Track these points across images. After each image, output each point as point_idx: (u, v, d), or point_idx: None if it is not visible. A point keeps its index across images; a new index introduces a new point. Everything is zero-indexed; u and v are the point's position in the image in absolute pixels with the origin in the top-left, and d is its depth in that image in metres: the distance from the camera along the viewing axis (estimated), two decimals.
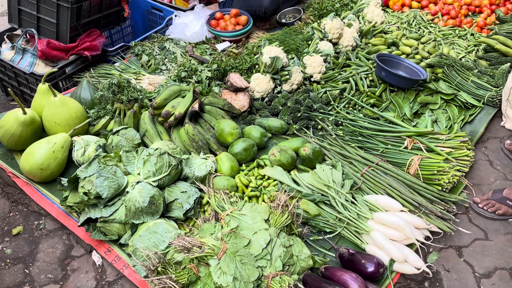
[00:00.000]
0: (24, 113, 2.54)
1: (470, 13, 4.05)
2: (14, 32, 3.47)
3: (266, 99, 3.10)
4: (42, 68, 3.29)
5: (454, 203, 2.39)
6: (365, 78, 3.16)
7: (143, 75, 3.33)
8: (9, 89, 2.53)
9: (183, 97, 2.81)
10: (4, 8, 4.52)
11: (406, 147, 2.56)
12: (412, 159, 2.45)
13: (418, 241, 2.09)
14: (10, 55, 3.34)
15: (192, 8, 4.14)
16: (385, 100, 3.02)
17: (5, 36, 3.41)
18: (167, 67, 3.47)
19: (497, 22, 3.74)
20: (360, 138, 2.70)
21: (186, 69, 3.11)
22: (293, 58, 3.29)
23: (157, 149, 2.27)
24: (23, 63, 3.29)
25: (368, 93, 3.05)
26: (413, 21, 3.86)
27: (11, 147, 2.65)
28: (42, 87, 2.74)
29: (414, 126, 2.81)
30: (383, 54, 3.20)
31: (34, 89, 3.27)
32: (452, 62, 3.15)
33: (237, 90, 2.96)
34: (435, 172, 2.36)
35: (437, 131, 2.66)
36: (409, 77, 3.02)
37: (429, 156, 2.46)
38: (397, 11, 4.12)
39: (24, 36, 3.36)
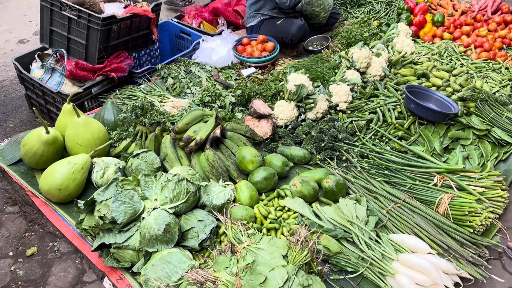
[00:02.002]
0: (47, 132, 2.55)
1: (504, 46, 3.92)
2: (45, 52, 3.55)
3: (290, 126, 3.03)
4: (69, 88, 3.34)
5: (487, 247, 2.23)
6: (393, 109, 3.06)
7: (167, 98, 3.33)
8: (33, 108, 2.55)
9: (206, 122, 2.77)
10: (38, 27, 4.66)
11: (435, 184, 2.43)
12: (441, 198, 2.32)
13: (446, 287, 1.94)
14: (39, 74, 3.40)
15: (220, 33, 4.17)
16: (413, 133, 2.90)
17: (36, 55, 3.49)
18: (191, 90, 3.46)
19: None
20: (386, 172, 2.58)
21: (210, 94, 3.09)
22: (319, 86, 3.23)
23: (175, 175, 2.22)
24: (51, 82, 3.35)
25: (396, 125, 2.94)
26: (445, 52, 3.76)
27: (32, 165, 2.66)
28: (67, 107, 2.75)
29: (444, 162, 2.68)
30: (412, 86, 3.10)
31: (60, 107, 3.30)
32: (485, 96, 3.02)
33: (260, 116, 2.91)
34: (467, 212, 2.22)
35: (468, 168, 2.52)
36: (439, 110, 2.91)
37: (460, 195, 2.32)
38: (428, 41, 4.03)
39: (54, 55, 3.42)
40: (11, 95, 3.92)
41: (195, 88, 3.46)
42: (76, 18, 3.20)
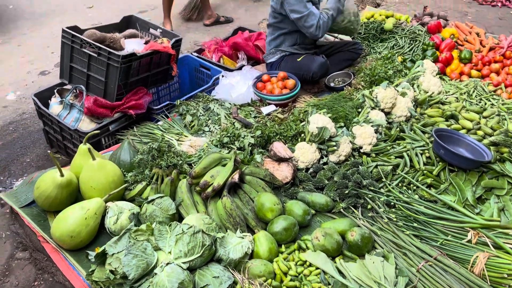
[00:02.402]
0: (62, 175, 2.48)
1: None
2: (64, 87, 3.53)
3: (311, 170, 2.90)
4: (87, 124, 3.30)
5: None
6: (421, 154, 2.90)
7: (185, 136, 3.25)
8: (49, 151, 2.49)
9: (224, 165, 2.66)
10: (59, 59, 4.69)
11: (469, 241, 2.25)
12: (477, 256, 2.14)
13: None
14: (58, 110, 3.38)
15: (240, 68, 4.11)
16: (443, 181, 2.73)
17: (55, 91, 3.47)
18: (209, 128, 3.37)
19: None
20: (415, 224, 2.41)
21: (228, 134, 2.99)
22: (341, 126, 3.11)
23: (191, 226, 2.11)
24: (69, 118, 3.31)
25: (425, 171, 2.78)
26: (474, 91, 3.60)
27: (45, 208, 2.58)
28: (83, 147, 2.69)
29: (477, 213, 2.50)
30: (441, 129, 2.95)
31: (77, 144, 3.26)
32: None
33: (280, 160, 2.79)
34: (505, 275, 2.03)
35: (505, 224, 2.33)
36: (472, 158, 2.74)
37: (497, 255, 2.14)
38: (455, 79, 3.88)
39: (74, 91, 3.40)
40: (30, 128, 3.91)
41: (213, 126, 3.38)
42: (96, 55, 3.18)
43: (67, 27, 3.25)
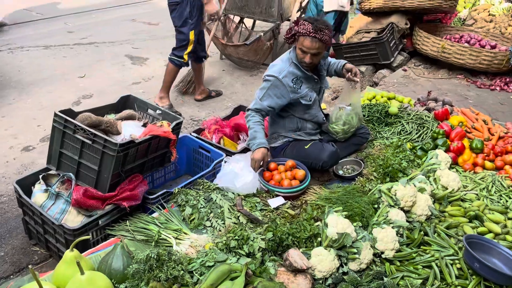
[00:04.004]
0: None
1: None
2: (50, 172, 3.18)
3: (330, 281, 2.56)
4: (74, 217, 2.93)
5: None
6: (452, 264, 2.61)
7: (185, 233, 2.89)
8: (29, 266, 2.10)
9: (233, 279, 2.31)
10: (46, 132, 4.37)
11: None
12: None
13: None
14: (41, 199, 3.00)
15: (243, 151, 3.86)
16: None
17: (40, 176, 3.12)
18: (212, 223, 3.04)
19: None
20: None
21: (236, 237, 2.65)
22: (360, 227, 2.82)
23: None
24: (53, 210, 2.95)
25: (458, 286, 2.47)
26: (492, 187, 3.40)
27: None
28: (69, 255, 2.31)
29: None
30: (472, 236, 2.69)
31: (59, 240, 2.88)
32: None
33: (296, 270, 2.45)
34: None
35: None
36: (510, 274, 2.46)
37: None
38: (469, 170, 3.70)
39: (61, 179, 3.06)
40: (7, 214, 3.50)
41: (216, 221, 3.04)
42: (90, 142, 2.88)
43: (60, 111, 2.97)
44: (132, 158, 3.09)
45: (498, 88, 5.65)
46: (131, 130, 3.24)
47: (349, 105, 3.76)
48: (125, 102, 3.62)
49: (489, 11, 7.72)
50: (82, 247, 2.69)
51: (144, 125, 3.40)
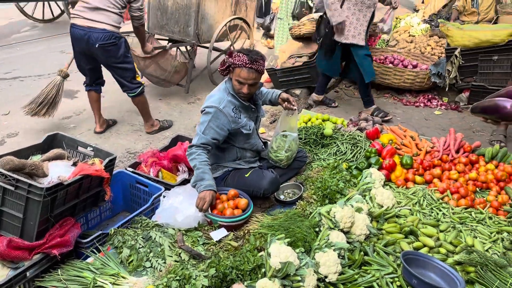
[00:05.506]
0: None
1: (478, 189, 3.83)
2: None
3: None
4: None
5: None
6: (392, 282, 2.68)
7: (123, 277, 2.74)
8: None
9: None
10: None
11: None
12: None
13: None
14: None
15: (182, 183, 3.78)
16: None
17: None
18: (152, 264, 2.91)
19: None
20: None
21: (178, 277, 2.55)
22: (303, 252, 2.83)
23: None
24: None
25: None
26: (423, 200, 3.58)
27: None
28: None
29: None
30: (408, 253, 2.79)
31: None
32: (484, 260, 2.75)
33: None
34: None
35: None
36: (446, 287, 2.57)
37: None
38: (401, 186, 3.87)
39: None
40: None
41: (156, 261, 2.92)
42: (12, 188, 2.67)
43: None
44: (62, 201, 2.90)
45: (422, 104, 6.04)
46: (59, 171, 3.04)
47: (284, 131, 3.82)
48: (52, 141, 3.42)
49: (409, 32, 8.31)
50: None
51: (74, 164, 3.22)
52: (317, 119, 5.10)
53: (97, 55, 4.82)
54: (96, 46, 4.65)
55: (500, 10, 7.08)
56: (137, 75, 5.24)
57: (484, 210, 3.50)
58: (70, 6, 6.13)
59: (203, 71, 7.14)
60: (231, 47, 7.11)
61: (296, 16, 7.64)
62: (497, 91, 2.67)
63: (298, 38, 6.89)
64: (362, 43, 5.13)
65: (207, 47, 6.82)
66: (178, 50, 6.84)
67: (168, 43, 6.72)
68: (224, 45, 7.36)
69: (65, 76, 5.40)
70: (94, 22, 4.63)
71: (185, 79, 6.72)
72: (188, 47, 6.93)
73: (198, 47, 6.84)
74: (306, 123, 5.11)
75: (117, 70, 4.94)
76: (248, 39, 7.39)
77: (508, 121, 2.58)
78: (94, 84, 5.19)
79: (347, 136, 4.57)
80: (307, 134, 4.70)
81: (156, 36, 6.86)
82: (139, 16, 4.92)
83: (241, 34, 7.27)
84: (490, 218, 3.39)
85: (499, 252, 3.03)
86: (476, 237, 3.17)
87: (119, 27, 4.82)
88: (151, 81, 6.57)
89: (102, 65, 5.05)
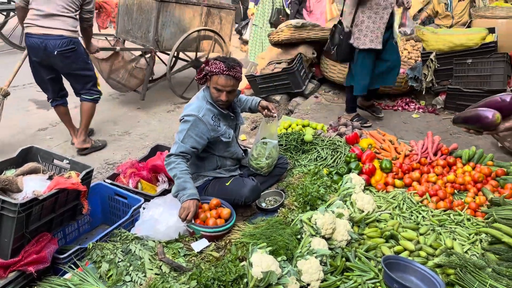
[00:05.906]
0: None
1: (456, 191, 3.89)
2: None
3: None
4: None
5: None
6: None
7: None
8: None
9: None
10: None
11: None
12: None
13: None
14: None
15: (162, 193, 3.73)
16: None
17: None
18: (132, 278, 2.85)
19: (489, 204, 3.56)
20: None
21: None
22: (285, 261, 2.81)
23: None
24: None
25: None
26: (403, 204, 3.61)
27: None
28: None
29: None
30: (389, 257, 2.81)
31: None
32: (463, 262, 2.78)
33: None
34: None
35: None
36: None
37: None
38: (381, 190, 3.91)
39: None
40: None
41: (136, 274, 2.86)
42: None
43: None
44: (37, 217, 2.83)
45: (400, 108, 6.12)
46: (34, 185, 2.97)
47: (264, 138, 3.82)
48: (27, 155, 3.33)
49: None
50: None
51: (50, 178, 3.14)
52: (297, 125, 5.12)
53: (56, 64, 4.64)
54: (55, 53, 4.49)
55: (474, 14, 7.23)
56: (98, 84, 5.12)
57: (462, 212, 3.55)
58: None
59: (158, 80, 6.97)
60: (199, 58, 6.99)
61: (273, 23, 7.68)
62: (477, 102, 2.74)
63: (276, 44, 6.92)
64: (380, 46, 4.96)
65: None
66: (143, 56, 6.70)
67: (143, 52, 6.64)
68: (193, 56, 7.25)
69: (6, 95, 4.97)
70: (50, 29, 4.46)
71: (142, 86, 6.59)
72: (146, 54, 6.70)
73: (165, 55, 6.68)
74: (286, 129, 5.12)
75: (78, 77, 4.82)
76: (223, 52, 7.21)
77: (490, 131, 2.62)
78: (58, 97, 4.99)
79: (327, 141, 4.60)
80: (288, 141, 4.71)
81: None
82: (89, 18, 4.83)
83: (214, 47, 7.10)
84: (468, 219, 3.45)
85: (477, 253, 3.07)
86: (455, 239, 3.22)
87: (76, 31, 4.67)
88: (110, 85, 6.49)
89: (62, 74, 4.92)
